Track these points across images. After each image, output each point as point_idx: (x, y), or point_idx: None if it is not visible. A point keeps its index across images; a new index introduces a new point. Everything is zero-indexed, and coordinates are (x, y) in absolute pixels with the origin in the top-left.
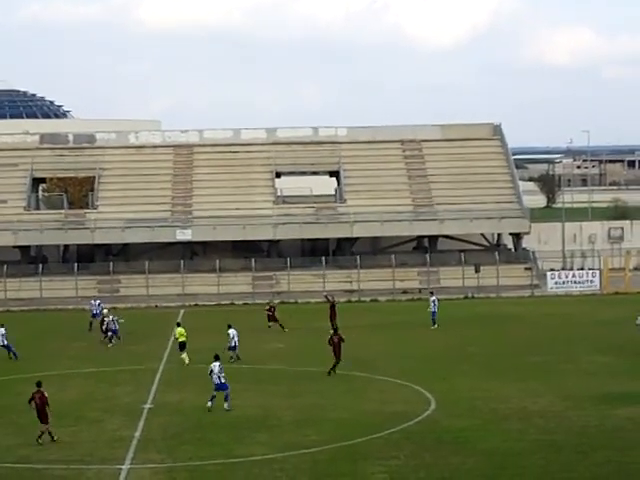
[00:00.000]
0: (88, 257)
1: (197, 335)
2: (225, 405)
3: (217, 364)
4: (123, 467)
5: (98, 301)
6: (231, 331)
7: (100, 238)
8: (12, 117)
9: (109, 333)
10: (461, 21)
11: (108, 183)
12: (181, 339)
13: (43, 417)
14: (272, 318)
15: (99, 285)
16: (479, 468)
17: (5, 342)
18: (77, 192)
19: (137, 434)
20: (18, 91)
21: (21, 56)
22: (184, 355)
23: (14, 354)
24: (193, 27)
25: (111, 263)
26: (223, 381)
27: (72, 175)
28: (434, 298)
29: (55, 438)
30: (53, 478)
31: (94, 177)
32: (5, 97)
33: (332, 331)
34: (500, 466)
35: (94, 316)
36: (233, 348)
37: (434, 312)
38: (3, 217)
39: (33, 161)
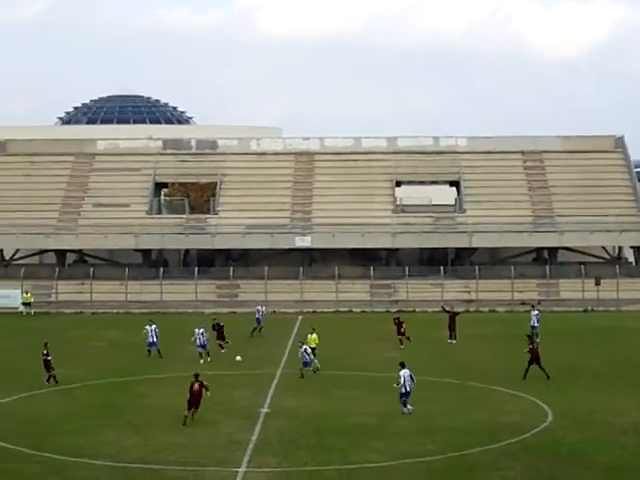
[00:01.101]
0: (208, 262)
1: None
2: (404, 409)
3: (406, 371)
4: (239, 470)
5: (264, 307)
6: (305, 347)
7: (220, 243)
8: (135, 122)
9: (199, 349)
10: (584, 31)
11: (229, 189)
12: (313, 345)
13: (194, 402)
14: (399, 332)
15: (218, 290)
16: None
17: (154, 339)
18: (198, 197)
19: (254, 437)
20: (142, 97)
21: (144, 62)
22: (315, 360)
23: (158, 351)
24: (313, 34)
25: (231, 268)
26: (409, 389)
27: (194, 180)
28: (536, 312)
29: (186, 422)
30: (170, 479)
31: (215, 183)
32: (129, 103)
33: (527, 337)
34: None
35: (258, 322)
36: (308, 364)
37: (534, 326)
38: (125, 221)
39: (156, 166)
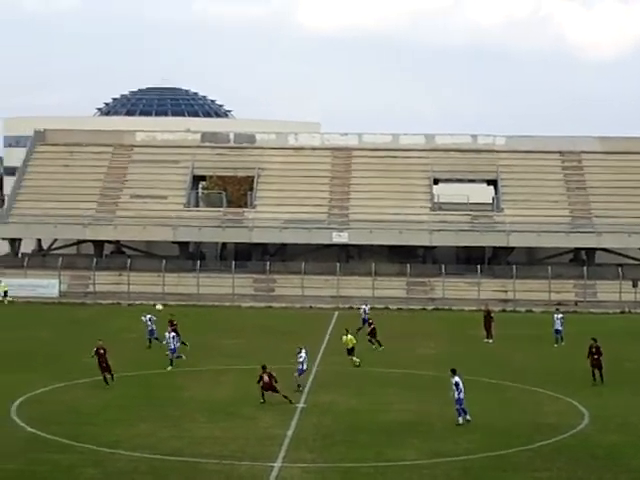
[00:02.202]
0: (245, 256)
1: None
2: (459, 418)
3: (457, 379)
4: (275, 465)
5: (368, 305)
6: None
7: (258, 237)
8: (174, 115)
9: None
10: (624, 31)
11: (267, 183)
12: (350, 345)
13: (268, 389)
14: (372, 334)
15: (255, 284)
16: None
17: (152, 327)
18: (236, 191)
19: (289, 433)
20: (180, 89)
21: (184, 55)
22: (355, 358)
23: (157, 339)
24: (353, 31)
25: (268, 262)
26: (462, 396)
27: (231, 174)
28: (560, 315)
29: (293, 402)
30: (206, 472)
31: (253, 177)
32: (168, 95)
33: (593, 341)
34: None
35: (364, 322)
36: (301, 372)
37: (558, 330)
38: (163, 213)
39: (194, 159)
